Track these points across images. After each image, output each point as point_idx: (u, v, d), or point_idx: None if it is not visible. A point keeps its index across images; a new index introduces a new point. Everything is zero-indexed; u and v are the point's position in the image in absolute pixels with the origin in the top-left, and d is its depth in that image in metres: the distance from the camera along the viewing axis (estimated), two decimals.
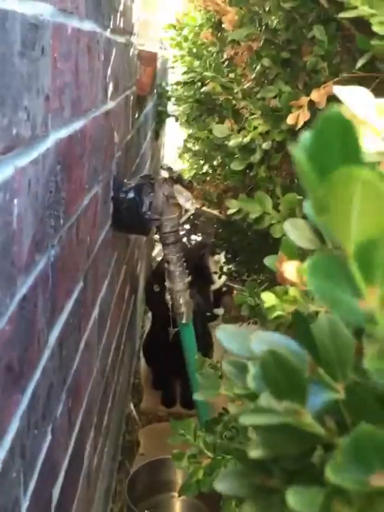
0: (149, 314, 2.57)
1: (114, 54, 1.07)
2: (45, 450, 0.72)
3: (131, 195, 1.21)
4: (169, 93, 2.36)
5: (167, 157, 4.40)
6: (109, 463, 1.54)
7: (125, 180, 1.23)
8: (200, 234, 3.38)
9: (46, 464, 0.73)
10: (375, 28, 0.47)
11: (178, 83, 1.83)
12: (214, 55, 1.51)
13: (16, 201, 0.52)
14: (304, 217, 0.95)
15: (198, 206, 2.12)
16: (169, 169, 1.26)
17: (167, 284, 1.36)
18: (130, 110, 1.45)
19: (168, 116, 2.58)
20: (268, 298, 0.50)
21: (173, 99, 2.32)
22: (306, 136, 0.18)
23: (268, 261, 0.61)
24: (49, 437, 0.74)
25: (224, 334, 0.36)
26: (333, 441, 0.30)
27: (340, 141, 0.17)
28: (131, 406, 2.08)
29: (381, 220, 0.16)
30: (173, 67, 1.82)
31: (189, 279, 1.36)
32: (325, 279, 0.18)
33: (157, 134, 2.68)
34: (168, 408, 2.14)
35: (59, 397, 0.80)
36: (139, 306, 2.43)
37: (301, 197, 0.89)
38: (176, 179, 1.24)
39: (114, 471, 1.72)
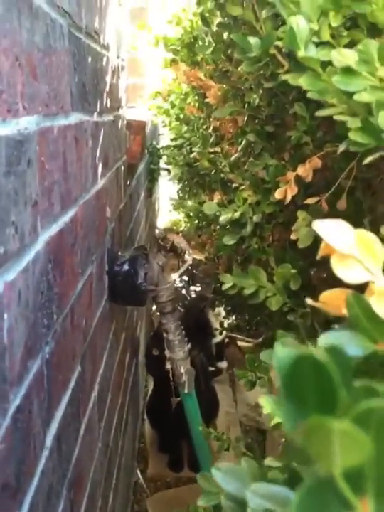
0: None
1: (102, 135, 1.09)
2: None
3: (125, 267, 1.21)
4: (160, 152, 2.41)
5: (162, 209, 4.45)
6: None
7: (119, 253, 1.24)
8: (198, 285, 3.37)
9: None
10: (352, 136, 0.48)
11: (167, 147, 1.87)
12: (201, 120, 1.55)
13: (5, 316, 0.52)
14: (297, 293, 0.94)
15: (196, 257, 2.13)
16: (163, 239, 1.26)
17: (167, 353, 1.34)
18: (121, 180, 1.47)
19: (160, 174, 2.62)
20: (266, 403, 0.49)
21: (164, 157, 2.36)
22: (282, 359, 0.17)
23: (263, 356, 0.60)
24: None
25: (220, 474, 0.35)
26: None
27: (314, 382, 0.16)
28: (138, 473, 2.02)
29: (363, 456, 0.16)
30: (161, 134, 1.86)
31: (189, 347, 1.34)
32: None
33: (150, 192, 2.71)
34: (176, 472, 2.08)
35: (59, 494, 0.78)
36: (141, 367, 2.40)
37: (294, 270, 0.89)
38: (170, 248, 1.25)
39: None
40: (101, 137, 1.08)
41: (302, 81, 0.51)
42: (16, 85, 0.53)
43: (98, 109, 1.05)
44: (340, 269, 0.33)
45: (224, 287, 0.93)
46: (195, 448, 1.36)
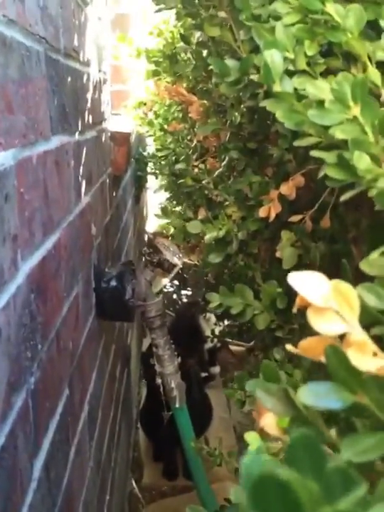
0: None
1: (84, 153, 1.08)
2: None
3: (113, 283, 1.20)
4: (146, 160, 2.40)
5: (151, 213, 4.44)
6: None
7: (106, 269, 1.23)
8: (189, 288, 3.38)
9: None
10: (328, 171, 0.47)
11: (153, 156, 1.86)
12: (185, 131, 1.54)
13: None
14: (284, 310, 0.94)
15: (186, 260, 2.13)
16: (150, 254, 1.26)
17: (157, 368, 1.34)
18: (107, 193, 1.46)
19: (147, 180, 2.61)
20: (252, 439, 0.49)
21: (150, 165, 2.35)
22: (249, 473, 0.17)
23: (249, 386, 0.60)
24: None
25: None
26: None
27: (280, 501, 0.16)
28: (133, 483, 2.02)
29: None
30: (148, 145, 1.85)
31: (179, 360, 1.34)
32: None
33: (138, 199, 2.70)
34: (171, 481, 2.08)
35: None
36: (134, 374, 2.39)
37: (280, 289, 0.89)
38: (157, 263, 1.24)
39: None
40: (84, 155, 1.08)
41: (278, 114, 0.51)
42: None
43: (80, 128, 1.04)
44: (317, 321, 0.33)
45: (210, 306, 0.92)
46: (187, 461, 1.36)
